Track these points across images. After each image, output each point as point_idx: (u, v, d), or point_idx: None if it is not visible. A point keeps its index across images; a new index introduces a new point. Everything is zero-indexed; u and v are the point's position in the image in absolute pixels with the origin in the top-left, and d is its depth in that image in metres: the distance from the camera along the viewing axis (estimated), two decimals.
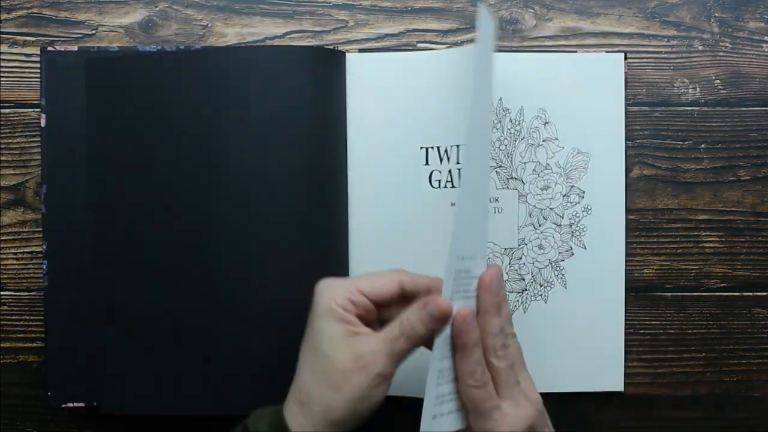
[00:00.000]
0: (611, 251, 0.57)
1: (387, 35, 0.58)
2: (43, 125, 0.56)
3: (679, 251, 0.58)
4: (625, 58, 0.56)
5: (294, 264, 0.54)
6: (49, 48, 0.56)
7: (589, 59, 0.56)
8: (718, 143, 0.58)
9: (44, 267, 0.56)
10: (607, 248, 0.56)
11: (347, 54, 0.56)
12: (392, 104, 0.56)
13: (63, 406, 0.55)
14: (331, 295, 0.45)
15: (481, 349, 0.44)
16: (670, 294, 0.58)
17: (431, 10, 0.58)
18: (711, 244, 0.58)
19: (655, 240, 0.58)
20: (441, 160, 0.55)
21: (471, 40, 0.58)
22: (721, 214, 0.58)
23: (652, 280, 0.58)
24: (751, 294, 0.59)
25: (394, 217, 0.56)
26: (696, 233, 0.58)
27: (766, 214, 0.58)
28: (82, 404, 0.55)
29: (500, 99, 0.56)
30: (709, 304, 0.58)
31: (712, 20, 0.58)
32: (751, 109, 0.58)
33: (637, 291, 0.58)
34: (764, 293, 0.58)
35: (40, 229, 0.57)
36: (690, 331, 0.58)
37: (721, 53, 0.58)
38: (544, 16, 0.58)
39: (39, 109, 0.57)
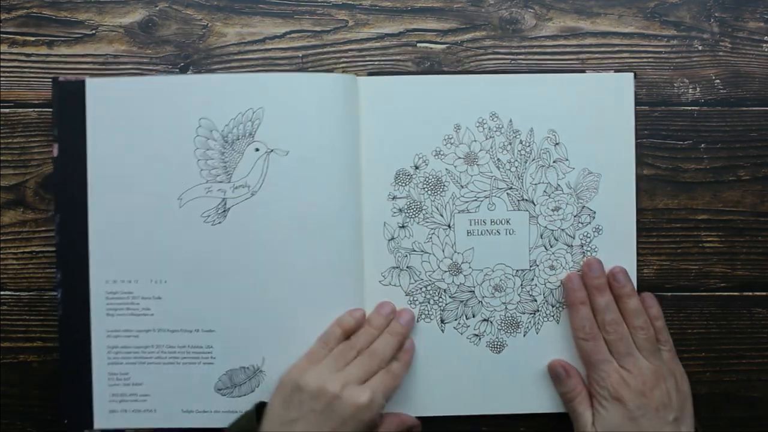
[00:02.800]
0: (623, 256, 0.57)
1: (387, 35, 0.58)
2: (55, 155, 0.56)
3: (679, 251, 0.58)
4: (635, 77, 0.56)
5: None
6: (60, 78, 0.56)
7: (599, 79, 0.56)
8: (718, 143, 0.58)
9: (59, 295, 0.57)
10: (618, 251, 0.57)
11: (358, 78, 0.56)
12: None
13: None
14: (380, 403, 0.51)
15: (588, 308, 0.55)
16: (670, 294, 0.58)
17: (431, 10, 0.58)
18: (711, 244, 0.58)
19: (655, 240, 0.58)
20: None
21: (470, 41, 0.58)
22: (721, 214, 0.58)
23: (652, 280, 0.58)
24: (751, 294, 0.58)
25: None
26: (696, 233, 0.58)
27: (766, 214, 0.58)
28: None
29: (510, 120, 0.56)
30: (709, 304, 0.58)
31: (712, 20, 0.58)
32: (751, 109, 0.58)
33: (637, 291, 0.58)
34: (764, 293, 0.58)
35: (40, 229, 0.58)
36: (690, 331, 0.58)
37: (721, 53, 0.58)
38: (544, 16, 0.58)
39: (51, 138, 0.57)
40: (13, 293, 0.58)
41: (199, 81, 0.55)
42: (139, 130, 0.55)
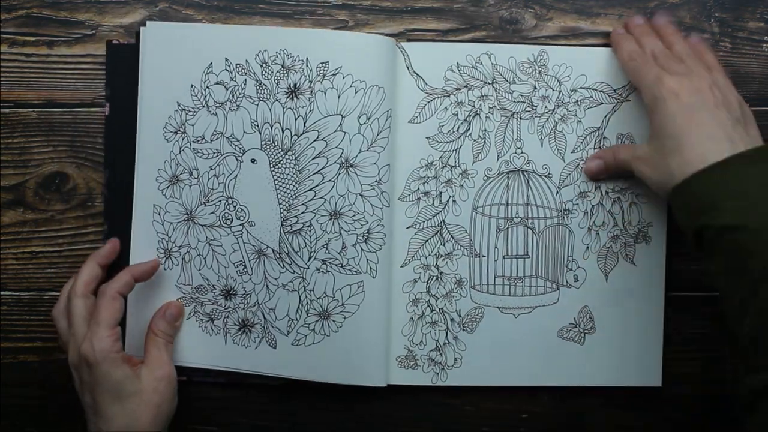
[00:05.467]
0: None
1: (387, 35, 0.58)
2: (107, 113, 0.57)
3: (679, 251, 0.58)
4: None
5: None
6: (114, 41, 0.57)
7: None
8: None
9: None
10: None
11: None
12: None
13: None
14: (101, 346, 0.51)
15: (634, 41, 0.55)
16: (670, 294, 0.58)
17: (431, 10, 0.58)
18: None
19: None
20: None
21: (470, 41, 0.58)
22: None
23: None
24: None
25: None
26: None
27: None
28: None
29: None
30: (709, 305, 0.58)
31: (712, 20, 0.58)
32: (751, 108, 0.58)
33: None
34: None
35: (40, 229, 0.58)
36: (690, 331, 0.58)
37: (721, 53, 0.58)
38: (544, 16, 0.58)
39: (97, 97, 0.57)
40: (13, 293, 0.58)
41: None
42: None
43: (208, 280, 0.57)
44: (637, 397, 0.58)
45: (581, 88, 0.57)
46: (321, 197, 0.55)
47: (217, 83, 0.56)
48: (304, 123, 0.55)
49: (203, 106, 0.56)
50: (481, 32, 0.58)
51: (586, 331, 0.57)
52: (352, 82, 0.55)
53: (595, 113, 0.57)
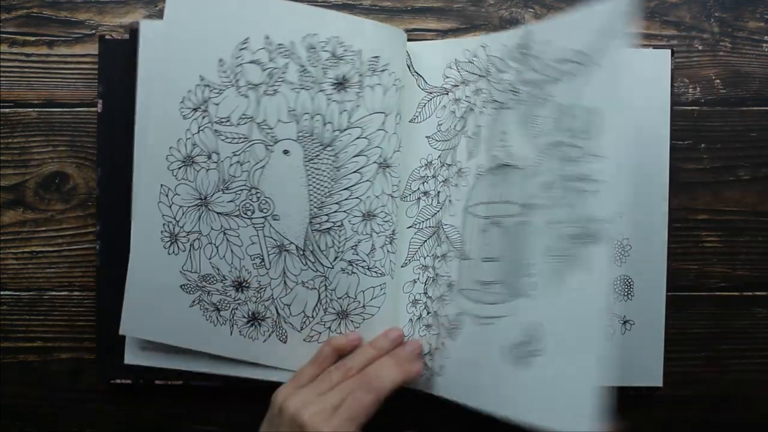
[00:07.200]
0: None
1: None
2: (99, 111, 0.56)
3: (679, 251, 0.58)
4: (672, 55, 0.56)
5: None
6: (107, 36, 0.57)
7: (637, 54, 0.55)
8: (718, 143, 0.58)
9: (97, 246, 0.57)
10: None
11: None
12: None
13: (111, 382, 0.56)
14: None
15: None
16: (670, 294, 0.58)
17: (431, 9, 0.58)
18: (711, 244, 0.58)
19: None
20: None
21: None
22: (721, 214, 0.58)
23: None
24: (751, 294, 0.59)
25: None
26: (696, 233, 0.58)
27: (766, 214, 0.58)
28: (128, 381, 0.56)
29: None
30: (709, 304, 0.58)
31: (712, 20, 0.58)
32: (751, 108, 0.58)
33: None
34: (764, 293, 0.58)
35: (40, 228, 0.58)
36: (690, 331, 0.58)
37: (721, 53, 0.58)
38: (544, 16, 0.58)
39: (96, 96, 0.57)
40: (13, 293, 0.58)
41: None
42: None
43: (218, 269, 0.54)
44: (635, 396, 0.58)
45: (558, 61, 0.50)
46: (356, 197, 0.53)
47: (252, 62, 0.51)
48: (349, 118, 0.52)
49: (232, 85, 0.51)
50: (481, 32, 0.58)
51: None
52: (395, 80, 0.53)
53: (569, 90, 0.50)
